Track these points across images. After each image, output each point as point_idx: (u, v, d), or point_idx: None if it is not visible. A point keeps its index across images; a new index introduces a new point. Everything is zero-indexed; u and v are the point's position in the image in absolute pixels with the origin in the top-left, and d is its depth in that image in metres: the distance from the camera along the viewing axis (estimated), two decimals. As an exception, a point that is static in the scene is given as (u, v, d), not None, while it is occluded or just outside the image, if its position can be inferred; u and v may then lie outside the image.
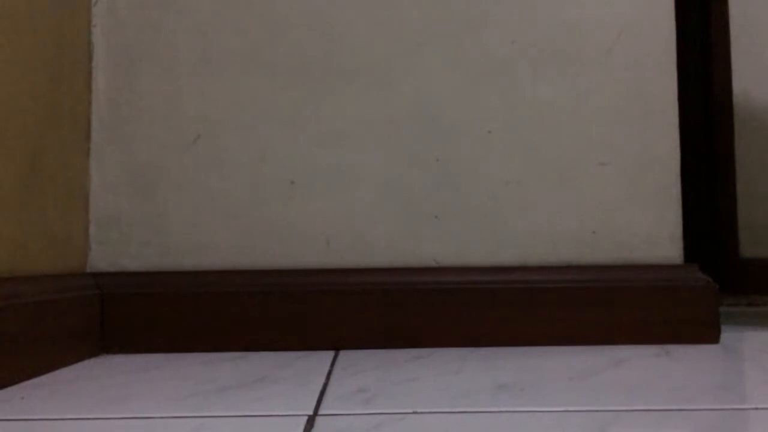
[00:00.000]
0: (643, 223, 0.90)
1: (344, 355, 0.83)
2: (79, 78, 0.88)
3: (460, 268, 0.89)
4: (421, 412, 0.55)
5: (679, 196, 0.91)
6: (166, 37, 0.91)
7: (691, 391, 0.62)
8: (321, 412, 0.55)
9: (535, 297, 0.87)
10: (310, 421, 0.53)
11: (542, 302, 0.87)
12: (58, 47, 0.82)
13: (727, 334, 0.92)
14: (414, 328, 0.87)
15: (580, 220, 0.90)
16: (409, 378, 0.69)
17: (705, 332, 0.86)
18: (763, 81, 1.77)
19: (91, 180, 0.90)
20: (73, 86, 0.86)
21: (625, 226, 0.90)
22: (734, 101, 1.77)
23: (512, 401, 0.58)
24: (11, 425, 0.53)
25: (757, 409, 0.56)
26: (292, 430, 0.51)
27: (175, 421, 0.53)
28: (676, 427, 0.52)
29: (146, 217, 0.90)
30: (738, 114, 1.77)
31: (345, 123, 0.91)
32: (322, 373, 0.71)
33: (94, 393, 0.64)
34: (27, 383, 0.68)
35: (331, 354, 0.83)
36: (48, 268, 0.79)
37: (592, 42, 0.92)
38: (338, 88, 0.91)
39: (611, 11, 0.92)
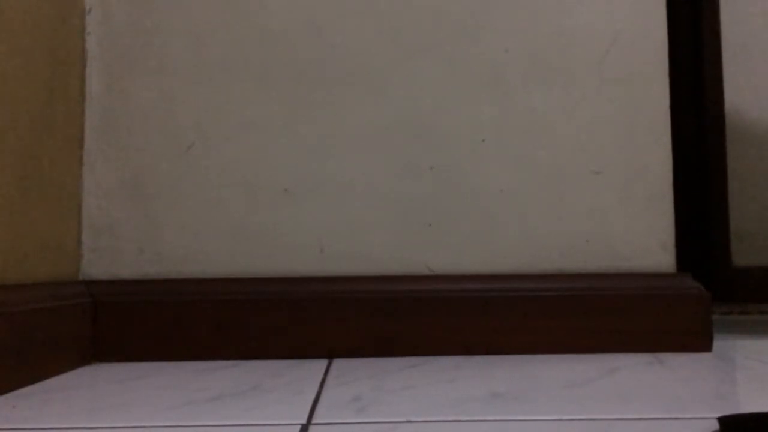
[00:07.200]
0: (636, 231, 0.91)
1: (338, 363, 0.82)
2: (73, 85, 0.88)
3: (453, 276, 0.89)
4: (416, 421, 0.55)
5: (672, 205, 0.91)
6: (161, 45, 0.91)
7: (684, 400, 0.62)
8: (314, 420, 0.55)
9: (529, 305, 0.87)
10: (304, 429, 0.53)
11: (535, 310, 0.87)
12: (52, 54, 0.82)
13: (720, 343, 0.92)
14: (408, 336, 0.87)
15: (574, 229, 0.91)
16: (403, 386, 0.69)
17: (698, 340, 0.87)
18: (754, 93, 1.79)
19: (84, 187, 0.90)
20: (67, 93, 0.86)
21: (618, 234, 0.91)
22: (726, 112, 1.78)
23: (506, 410, 0.58)
24: (2, 434, 0.53)
25: (749, 417, 0.56)
26: (286, 439, 0.51)
27: (168, 430, 0.53)
28: (670, 436, 0.52)
29: (139, 225, 0.89)
30: (730, 124, 1.79)
31: (339, 131, 0.91)
32: (315, 382, 0.71)
33: (87, 402, 0.63)
34: (19, 392, 0.67)
35: (324, 362, 0.83)
36: (40, 276, 0.79)
37: (585, 51, 0.92)
38: (332, 96, 0.91)
39: (604, 21, 0.93)
